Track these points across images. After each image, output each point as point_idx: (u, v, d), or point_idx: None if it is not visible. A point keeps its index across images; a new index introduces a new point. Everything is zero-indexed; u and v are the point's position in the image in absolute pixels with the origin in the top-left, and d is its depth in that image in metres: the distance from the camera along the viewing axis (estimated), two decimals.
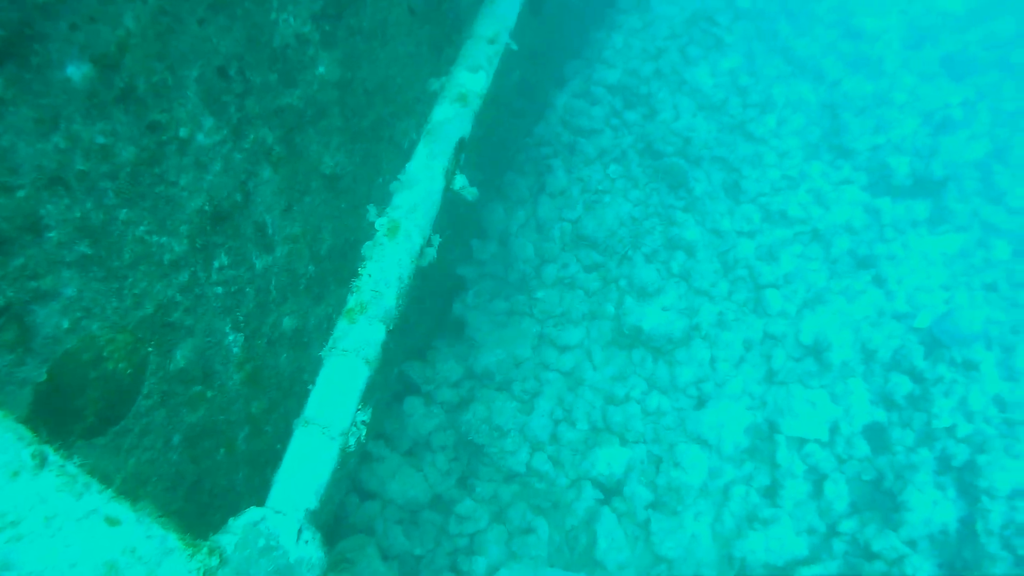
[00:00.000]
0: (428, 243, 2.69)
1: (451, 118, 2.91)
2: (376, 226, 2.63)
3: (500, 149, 5.97)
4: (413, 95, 4.04)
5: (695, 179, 6.51)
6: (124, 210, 2.45)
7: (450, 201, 2.96)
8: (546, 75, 6.53)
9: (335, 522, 5.12)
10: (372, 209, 2.76)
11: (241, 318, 3.21)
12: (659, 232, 6.31)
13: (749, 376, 5.59)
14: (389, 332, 2.41)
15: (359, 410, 2.35)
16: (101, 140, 2.29)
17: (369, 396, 2.48)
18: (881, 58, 8.34)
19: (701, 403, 5.56)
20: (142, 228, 2.55)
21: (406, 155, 3.93)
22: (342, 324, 2.33)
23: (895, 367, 5.56)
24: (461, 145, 2.92)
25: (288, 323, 3.57)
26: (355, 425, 2.33)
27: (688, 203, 6.46)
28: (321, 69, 3.19)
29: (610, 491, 5.21)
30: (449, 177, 2.82)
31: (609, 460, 5.19)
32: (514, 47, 3.41)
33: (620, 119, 6.84)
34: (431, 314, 5.83)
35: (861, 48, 8.46)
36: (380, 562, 4.59)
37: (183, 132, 2.59)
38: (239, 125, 2.85)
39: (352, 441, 2.40)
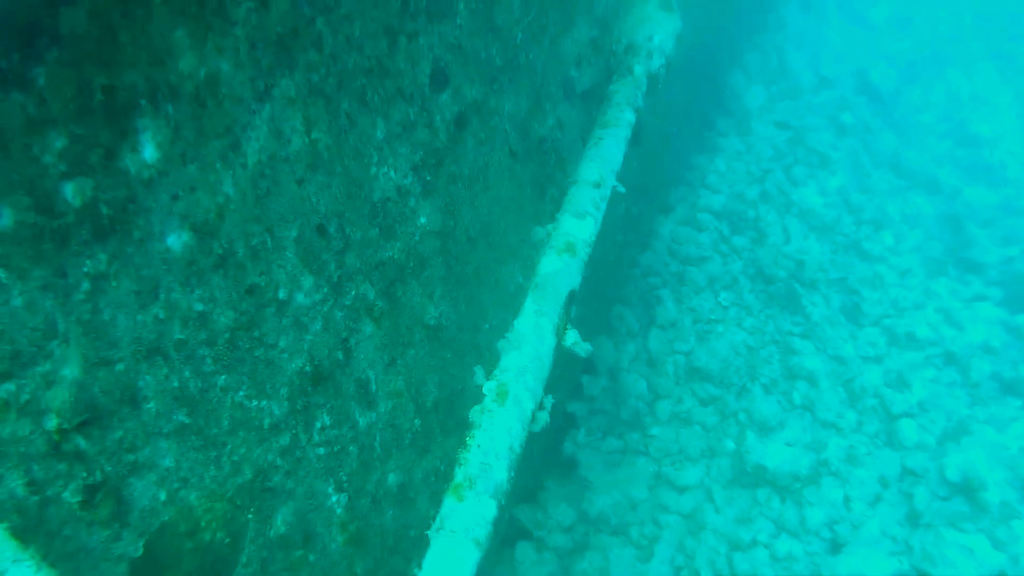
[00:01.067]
0: (540, 406, 2.50)
1: (559, 270, 2.78)
2: (484, 391, 2.47)
3: (606, 283, 5.82)
4: (517, 237, 3.97)
5: (811, 303, 6.13)
6: (222, 376, 2.40)
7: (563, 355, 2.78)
8: (650, 204, 6.43)
9: None
10: (479, 371, 2.61)
11: (344, 478, 3.08)
12: (777, 361, 5.91)
13: (888, 517, 5.00)
14: (501, 507, 2.20)
15: None
16: (199, 307, 2.25)
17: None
18: (1003, 164, 7.84)
19: (836, 547, 4.99)
20: (241, 393, 2.49)
21: (512, 299, 3.82)
22: (449, 501, 2.14)
23: None
24: (571, 298, 2.77)
25: (393, 479, 3.41)
26: None
27: (806, 329, 6.06)
28: (422, 219, 3.16)
29: None
30: (560, 334, 2.66)
31: None
32: (621, 189, 3.29)
33: (728, 245, 6.60)
34: (541, 453, 5.57)
35: (979, 155, 7.99)
36: None
37: (282, 293, 2.56)
38: (339, 282, 2.81)
39: None
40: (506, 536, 5.33)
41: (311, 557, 2.98)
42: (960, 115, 8.56)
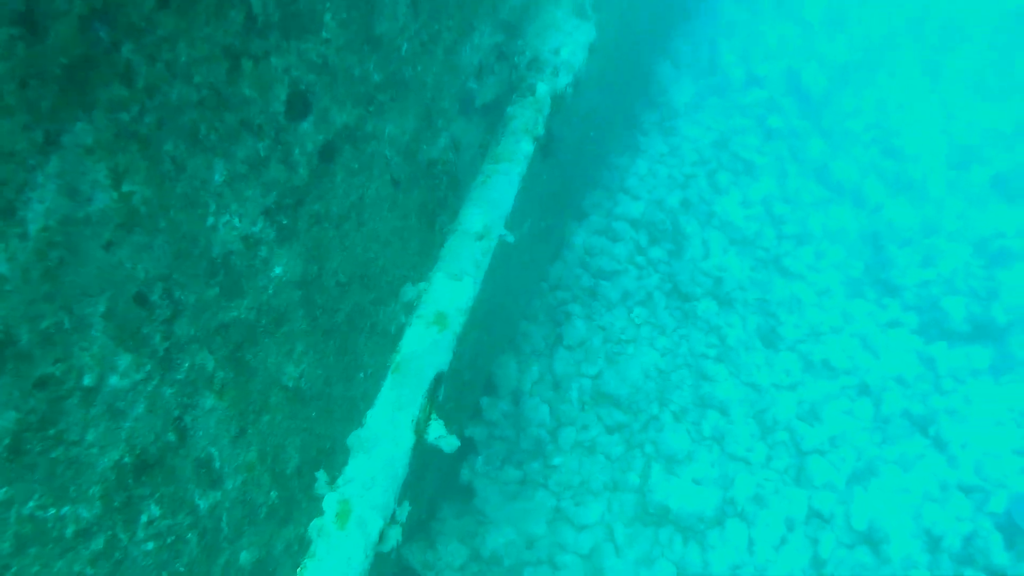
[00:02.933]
0: (392, 520, 2.16)
1: (425, 349, 2.43)
2: (323, 505, 2.12)
3: (512, 296, 5.51)
4: (401, 273, 3.60)
5: (728, 324, 5.97)
6: (2, 490, 1.99)
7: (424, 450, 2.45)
8: (562, 212, 6.12)
9: None
10: (321, 476, 2.26)
11: (182, 569, 2.69)
12: (689, 387, 5.75)
13: (793, 562, 4.90)
14: None
15: None
16: None
17: None
18: (925, 179, 7.84)
19: None
20: (31, 504, 2.08)
21: (394, 341, 3.46)
22: None
23: (968, 561, 4.84)
24: (438, 382, 2.43)
25: (247, 556, 3.05)
26: None
27: (720, 352, 5.91)
28: (277, 270, 2.76)
29: None
30: (421, 428, 2.32)
31: None
32: (510, 239, 2.95)
33: (645, 257, 6.38)
34: (436, 476, 5.27)
35: (903, 169, 7.97)
36: None
37: (88, 380, 2.14)
38: (168, 356, 2.40)
39: None
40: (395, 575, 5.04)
41: None
42: (887, 124, 8.53)
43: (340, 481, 2.20)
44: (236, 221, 2.50)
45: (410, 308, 2.72)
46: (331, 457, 3.35)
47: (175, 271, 2.32)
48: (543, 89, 3.37)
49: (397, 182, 3.36)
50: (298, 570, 2.06)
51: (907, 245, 6.92)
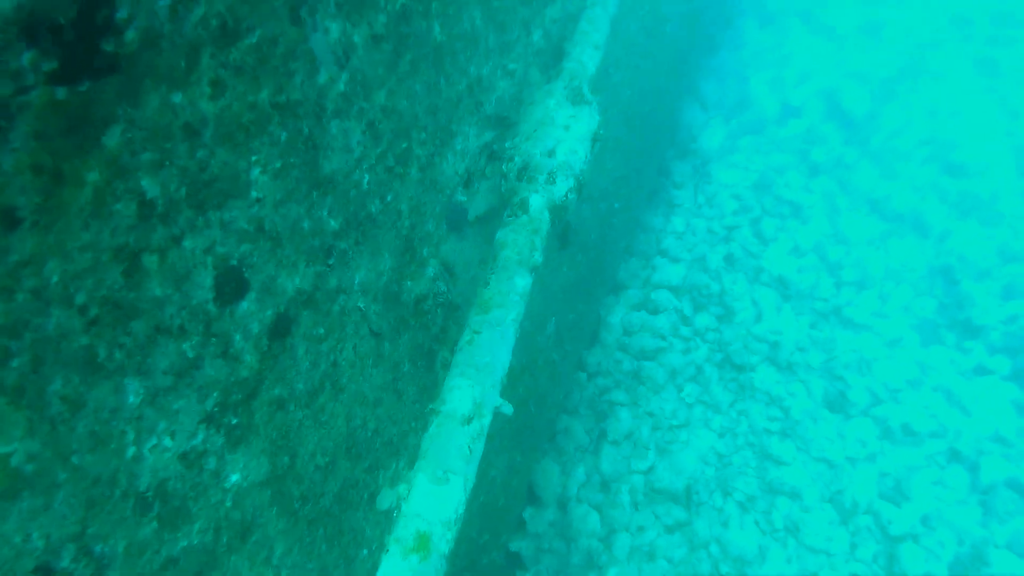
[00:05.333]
0: None
1: None
2: None
3: (548, 388, 5.02)
4: (399, 429, 3.17)
5: (790, 394, 5.37)
6: None
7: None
8: (594, 293, 5.63)
9: None
10: None
11: None
12: (753, 471, 5.17)
13: None
14: None
15: None
16: None
17: None
18: (994, 196, 7.12)
19: None
20: None
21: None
22: None
23: None
24: None
25: None
26: None
27: (785, 426, 5.31)
28: (234, 477, 2.36)
29: None
30: None
31: None
32: (507, 410, 2.47)
33: (691, 327, 5.84)
34: None
35: (967, 186, 7.26)
36: None
37: None
38: None
39: None
40: None
41: None
42: (943, 136, 7.83)
43: None
44: (167, 441, 2.10)
45: (387, 522, 2.26)
46: None
47: (90, 524, 1.92)
48: (537, 203, 2.92)
49: (379, 334, 2.93)
50: None
51: (984, 276, 6.22)
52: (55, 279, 1.71)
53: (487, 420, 2.36)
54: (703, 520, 5.02)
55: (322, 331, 2.61)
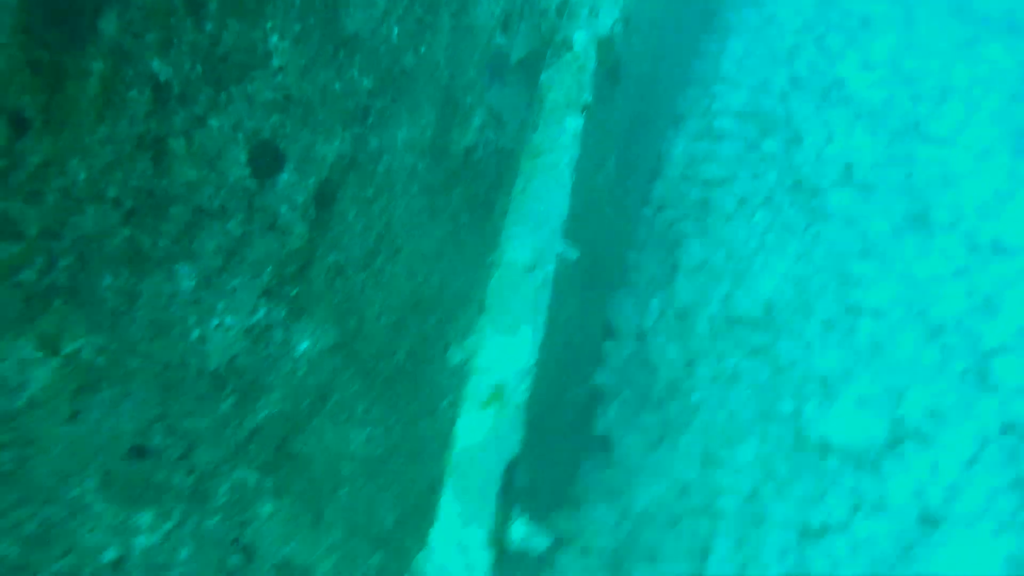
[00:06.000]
0: None
1: (484, 439, 1.93)
2: None
3: (612, 227, 4.86)
4: (466, 280, 3.09)
5: (868, 215, 5.05)
6: None
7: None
8: (652, 126, 5.31)
9: None
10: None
11: None
12: (833, 293, 4.95)
13: (988, 484, 4.15)
14: None
15: None
16: None
17: None
18: None
19: (929, 524, 4.20)
20: None
21: (447, 427, 2.99)
22: None
23: None
24: (511, 472, 1.93)
25: None
26: None
27: (864, 247, 5.02)
28: (303, 346, 2.33)
29: None
30: (499, 538, 1.85)
31: None
32: (572, 255, 2.34)
33: (758, 153, 5.48)
34: (570, 435, 4.87)
35: None
36: None
37: (109, 555, 1.87)
38: (198, 488, 2.05)
39: None
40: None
41: None
42: None
43: None
44: (229, 319, 2.06)
45: (459, 378, 2.21)
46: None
47: (171, 406, 1.94)
48: (582, 39, 2.65)
49: (431, 188, 2.80)
50: None
51: None
52: (82, 176, 1.63)
53: (550, 267, 2.25)
54: (784, 343, 4.89)
55: (370, 193, 2.50)
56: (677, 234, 5.23)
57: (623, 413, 4.88)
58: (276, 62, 2.06)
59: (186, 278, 1.91)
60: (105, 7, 1.55)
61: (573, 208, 2.51)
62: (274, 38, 2.04)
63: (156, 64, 1.69)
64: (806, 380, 4.74)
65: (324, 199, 2.31)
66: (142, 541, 1.90)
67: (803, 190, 5.32)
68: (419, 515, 2.80)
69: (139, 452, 1.88)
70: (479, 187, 3.12)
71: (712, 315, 5.02)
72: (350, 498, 2.62)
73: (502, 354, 2.08)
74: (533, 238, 2.23)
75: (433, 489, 2.60)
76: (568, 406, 4.67)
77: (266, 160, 2.09)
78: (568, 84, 2.60)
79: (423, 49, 2.65)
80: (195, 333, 1.97)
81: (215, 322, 2.02)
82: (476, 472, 1.93)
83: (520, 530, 1.89)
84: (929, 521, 4.23)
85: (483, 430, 1.96)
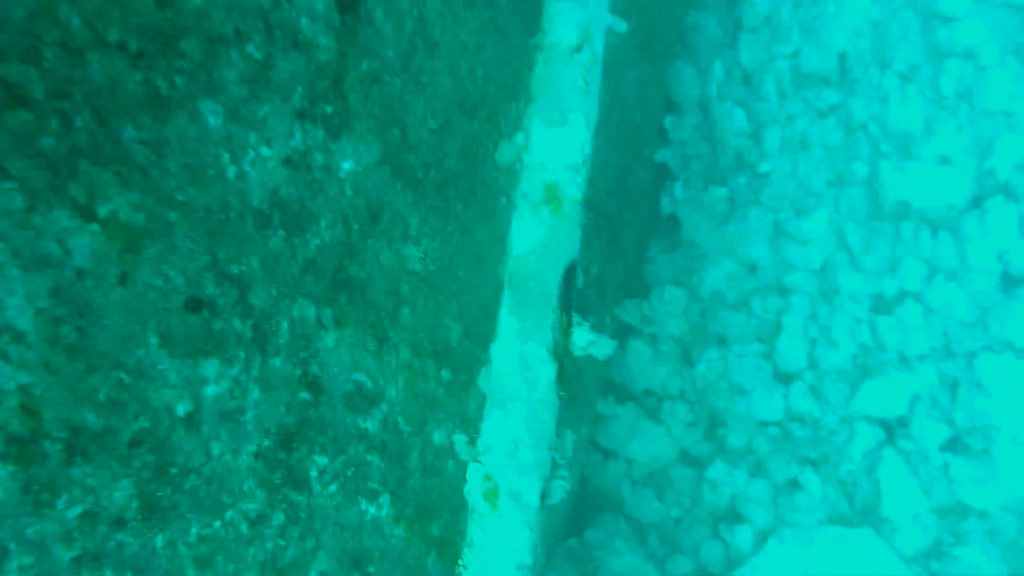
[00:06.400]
0: (553, 473, 1.80)
1: (540, 244, 1.87)
2: (467, 490, 1.80)
3: (662, 4, 4.49)
4: (512, 68, 2.89)
5: None
6: (158, 537, 1.88)
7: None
8: None
9: (581, 484, 4.71)
10: (459, 439, 1.90)
11: (376, 485, 2.61)
12: (916, 35, 4.54)
13: None
14: None
15: None
16: None
17: None
18: None
19: (1010, 283, 4.14)
20: (193, 533, 1.98)
21: (500, 235, 2.90)
22: None
23: None
24: (570, 278, 1.89)
25: (439, 436, 2.90)
26: None
27: None
28: (347, 165, 2.26)
29: (892, 428, 4.18)
30: (561, 347, 1.85)
31: (886, 390, 4.11)
32: (621, 27, 2.13)
33: None
34: (638, 215, 4.83)
35: None
36: (630, 555, 4.14)
37: (181, 408, 1.93)
38: (258, 330, 2.10)
39: None
40: (614, 333, 4.85)
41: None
42: None
43: (479, 446, 1.85)
44: (265, 150, 1.99)
45: (511, 177, 2.09)
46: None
47: (218, 251, 1.91)
48: None
49: None
50: (456, 568, 1.83)
51: None
52: (76, 22, 1.48)
53: (599, 44, 2.05)
54: (859, 99, 4.59)
55: None
56: None
57: (690, 190, 4.76)
58: None
59: (212, 115, 1.81)
60: None
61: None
62: None
63: None
64: (883, 139, 4.50)
65: (347, 2, 2.11)
66: (211, 391, 1.95)
67: None
68: (484, 326, 2.84)
69: (194, 304, 1.88)
70: None
71: (779, 75, 4.71)
72: (412, 317, 2.65)
73: (553, 147, 1.94)
74: (577, 13, 2.01)
75: (495, 298, 2.62)
76: (632, 189, 4.57)
77: None
78: None
79: None
80: (231, 171, 1.89)
81: (250, 156, 1.93)
82: (532, 281, 1.89)
83: (583, 337, 1.87)
84: (1012, 283, 4.16)
85: (538, 235, 1.89)
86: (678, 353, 4.64)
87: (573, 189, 1.95)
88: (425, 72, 2.49)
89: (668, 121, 4.89)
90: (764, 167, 4.69)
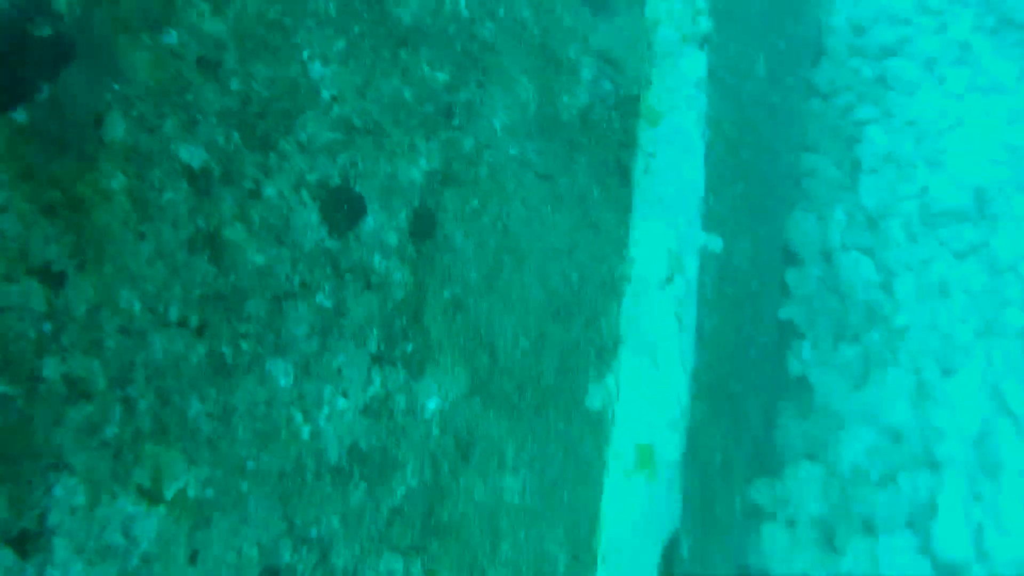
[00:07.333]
0: None
1: (637, 513, 1.74)
2: None
3: (774, 157, 4.44)
4: (609, 264, 2.84)
5: None
6: None
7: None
8: (803, 4, 4.73)
9: None
10: None
11: None
12: None
13: None
14: None
15: None
16: None
17: None
18: None
19: None
20: None
21: (591, 510, 2.78)
22: None
23: None
24: (672, 550, 1.74)
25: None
26: None
27: None
28: (432, 404, 2.23)
29: None
30: None
31: None
32: (716, 246, 2.06)
33: None
34: (764, 379, 4.61)
35: None
36: None
37: None
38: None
39: None
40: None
41: None
42: None
43: None
44: (341, 403, 1.97)
45: (599, 429, 1.99)
46: None
47: (294, 516, 1.89)
48: None
49: (547, 171, 2.56)
50: None
51: None
52: (137, 306, 1.52)
53: (692, 269, 1.97)
54: (1003, 235, 4.34)
55: (476, 203, 2.29)
56: (854, 123, 4.70)
57: (819, 350, 4.54)
58: (326, 93, 1.86)
59: (283, 375, 1.81)
60: (105, 113, 1.40)
61: (711, 178, 2.19)
62: (316, 66, 1.83)
63: (184, 151, 1.54)
64: None
65: (422, 230, 2.13)
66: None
67: (1011, 26, 4.59)
68: (586, 561, 2.68)
69: (272, 574, 1.83)
70: (606, 151, 2.82)
71: (908, 217, 4.52)
72: (513, 551, 2.52)
73: (646, 400, 1.83)
74: (666, 236, 1.94)
75: (593, 530, 2.47)
76: (755, 359, 4.39)
77: (343, 210, 1.92)
78: (678, 11, 2.23)
79: (501, 11, 2.36)
80: (306, 431, 1.87)
81: (325, 411, 1.91)
82: (628, 560, 1.73)
83: None
84: None
85: (632, 503, 1.75)
86: (820, 538, 4.29)
87: (670, 450, 1.83)
88: (514, 288, 2.47)
89: (789, 275, 4.74)
90: (900, 320, 4.44)
